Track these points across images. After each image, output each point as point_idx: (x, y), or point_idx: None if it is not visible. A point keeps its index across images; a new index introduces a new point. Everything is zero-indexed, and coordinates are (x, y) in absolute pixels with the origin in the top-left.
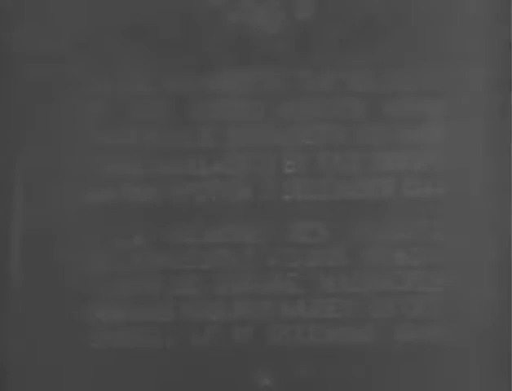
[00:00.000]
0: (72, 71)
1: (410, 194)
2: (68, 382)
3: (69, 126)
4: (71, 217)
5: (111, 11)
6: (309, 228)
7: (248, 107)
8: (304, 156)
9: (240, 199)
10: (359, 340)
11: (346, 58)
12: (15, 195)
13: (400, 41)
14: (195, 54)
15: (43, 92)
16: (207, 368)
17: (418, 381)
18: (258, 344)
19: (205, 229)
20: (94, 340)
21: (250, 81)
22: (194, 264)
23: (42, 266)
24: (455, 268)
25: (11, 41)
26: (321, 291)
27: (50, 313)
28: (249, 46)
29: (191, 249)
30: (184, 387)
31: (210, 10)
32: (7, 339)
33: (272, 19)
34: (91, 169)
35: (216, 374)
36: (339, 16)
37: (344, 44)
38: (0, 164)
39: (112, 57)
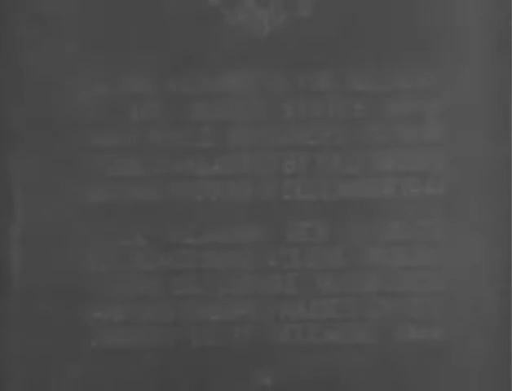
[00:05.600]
0: (72, 71)
1: (410, 194)
2: (67, 381)
3: (69, 126)
4: (71, 217)
5: (111, 11)
6: (309, 228)
7: (248, 107)
8: (304, 156)
9: (240, 198)
10: (359, 340)
11: (346, 57)
12: (14, 195)
13: (400, 40)
14: (195, 54)
15: (43, 92)
16: (207, 368)
17: (418, 381)
18: (258, 344)
19: (205, 229)
20: (94, 339)
21: (250, 80)
22: (194, 264)
23: (42, 266)
24: (455, 268)
25: (13, 41)
26: (321, 291)
27: (50, 313)
28: (249, 46)
29: (191, 249)
30: (184, 387)
31: (210, 10)
32: (7, 339)
33: (272, 19)
34: (91, 169)
35: (216, 374)
36: (339, 16)
37: (344, 43)
38: (0, 164)
39: (112, 57)
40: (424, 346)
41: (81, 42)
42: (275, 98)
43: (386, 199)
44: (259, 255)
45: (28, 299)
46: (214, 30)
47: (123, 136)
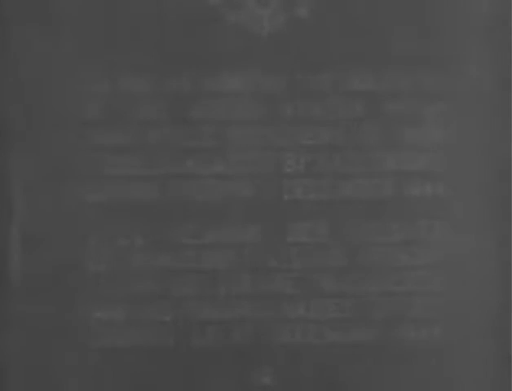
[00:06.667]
0: (72, 70)
1: (410, 194)
2: (67, 382)
3: (69, 126)
4: (70, 216)
5: (110, 11)
6: (309, 228)
7: (248, 107)
8: (304, 156)
9: (240, 198)
10: (360, 340)
11: (346, 58)
12: (14, 195)
13: (400, 40)
14: (195, 54)
15: (43, 91)
16: (207, 368)
17: (418, 381)
18: (258, 344)
19: (205, 228)
20: (94, 339)
21: (250, 80)
22: (194, 264)
23: (42, 266)
24: (455, 268)
25: (13, 40)
26: (321, 291)
27: (50, 313)
28: (248, 46)
29: (191, 249)
30: (184, 387)
31: (210, 10)
32: (7, 339)
33: (272, 19)
34: (91, 169)
35: (216, 374)
36: (339, 16)
37: (344, 44)
38: (0, 164)
39: (112, 57)
40: (424, 346)
41: (81, 42)
42: (275, 98)
43: (386, 199)
44: (259, 255)
45: (28, 299)
46: (213, 30)
47: (123, 135)
